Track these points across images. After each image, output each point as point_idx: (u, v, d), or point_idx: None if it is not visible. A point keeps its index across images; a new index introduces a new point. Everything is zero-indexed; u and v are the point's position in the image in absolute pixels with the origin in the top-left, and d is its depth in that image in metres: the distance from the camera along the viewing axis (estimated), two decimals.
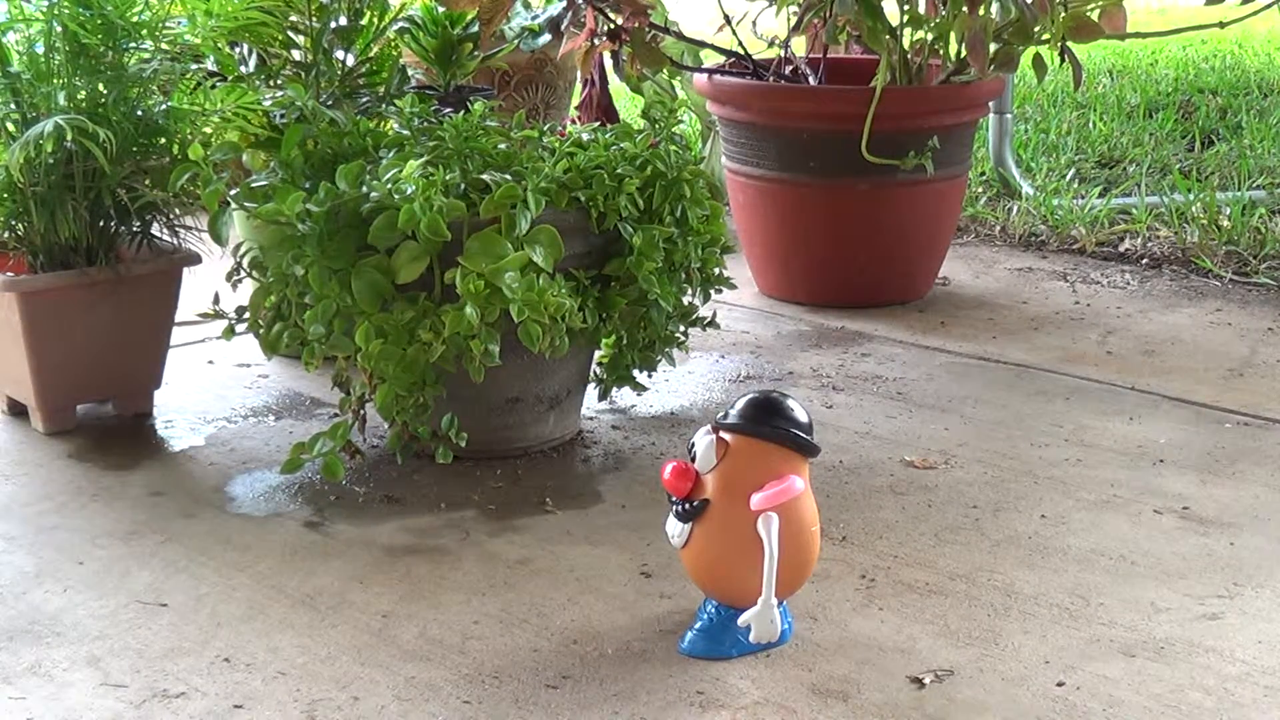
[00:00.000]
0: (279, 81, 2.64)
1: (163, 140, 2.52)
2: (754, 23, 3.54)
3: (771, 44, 3.55)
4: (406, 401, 2.23)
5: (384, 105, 2.67)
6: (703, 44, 3.56)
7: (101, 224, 2.52)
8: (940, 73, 3.34)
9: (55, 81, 2.44)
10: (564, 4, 3.47)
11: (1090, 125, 5.06)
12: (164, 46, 2.52)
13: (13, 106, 2.45)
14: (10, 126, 2.48)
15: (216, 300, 2.39)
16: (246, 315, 2.35)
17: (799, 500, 1.78)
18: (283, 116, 2.45)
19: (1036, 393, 2.76)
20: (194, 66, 2.57)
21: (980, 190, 4.32)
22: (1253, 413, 2.64)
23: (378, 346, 2.18)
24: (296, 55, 2.70)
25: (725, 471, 1.79)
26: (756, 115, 3.31)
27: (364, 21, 2.71)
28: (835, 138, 3.19)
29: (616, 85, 4.15)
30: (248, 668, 1.78)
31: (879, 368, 2.90)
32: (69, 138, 2.37)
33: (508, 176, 2.25)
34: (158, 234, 2.59)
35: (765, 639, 1.80)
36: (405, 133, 2.41)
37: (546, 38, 3.88)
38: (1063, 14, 3.09)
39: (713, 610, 1.83)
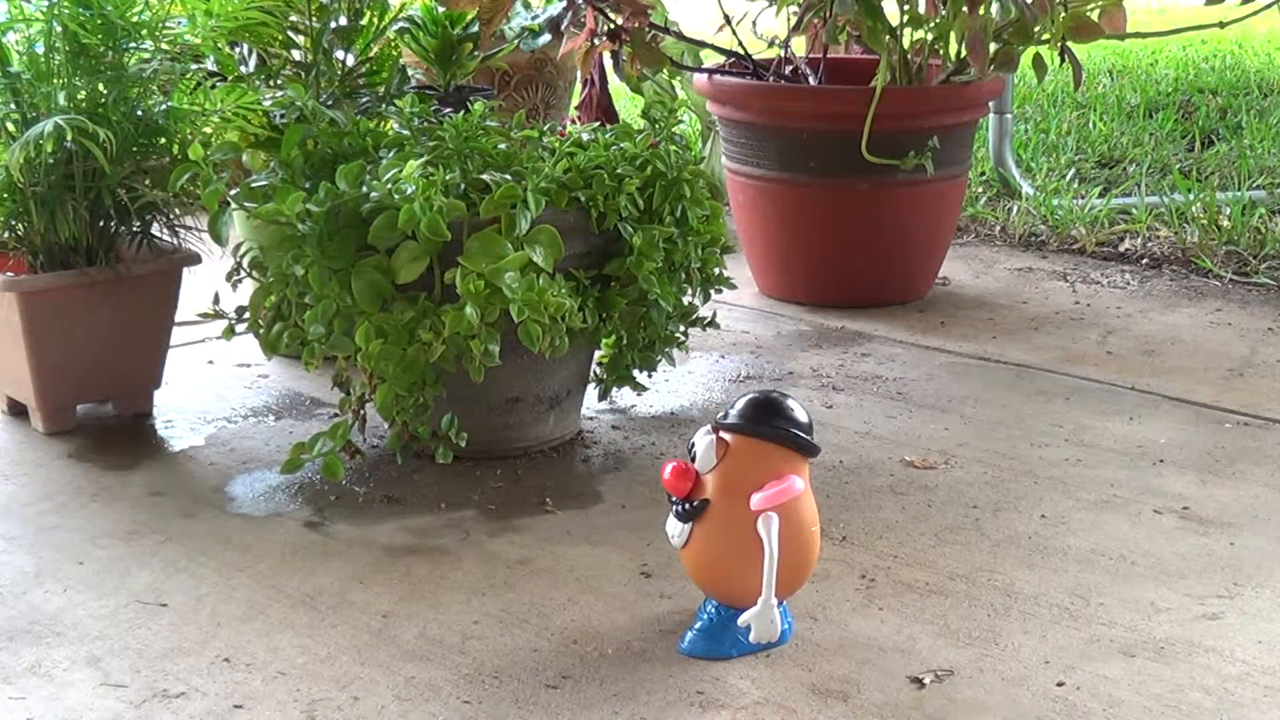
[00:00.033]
0: (279, 81, 2.64)
1: (163, 140, 2.52)
2: (754, 23, 3.54)
3: (771, 44, 3.55)
4: (406, 401, 2.23)
5: (384, 105, 2.67)
6: (703, 44, 3.56)
7: (101, 224, 2.52)
8: (940, 73, 3.34)
9: (55, 81, 2.44)
10: (564, 4, 3.47)
11: (1090, 125, 5.06)
12: (164, 46, 2.52)
13: (13, 106, 2.46)
14: (10, 126, 2.48)
15: (216, 300, 2.39)
16: (246, 315, 2.35)
17: (799, 500, 1.78)
18: (283, 116, 2.45)
19: (1036, 393, 2.76)
20: (194, 66, 2.57)
21: (980, 190, 4.32)
22: (1253, 413, 2.64)
23: (378, 346, 2.18)
24: (296, 55, 2.70)
25: (725, 471, 1.79)
26: (756, 115, 3.32)
27: (364, 21, 2.71)
28: (835, 138, 3.19)
29: (616, 85, 4.15)
30: (248, 668, 1.78)
31: (879, 368, 2.90)
32: (69, 138, 2.37)
33: (508, 176, 2.25)
34: (158, 234, 2.59)
35: (765, 639, 1.80)
36: (405, 133, 2.41)
37: (546, 38, 3.88)
38: (1063, 14, 3.09)
39: (713, 610, 1.83)
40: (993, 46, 3.17)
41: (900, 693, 1.73)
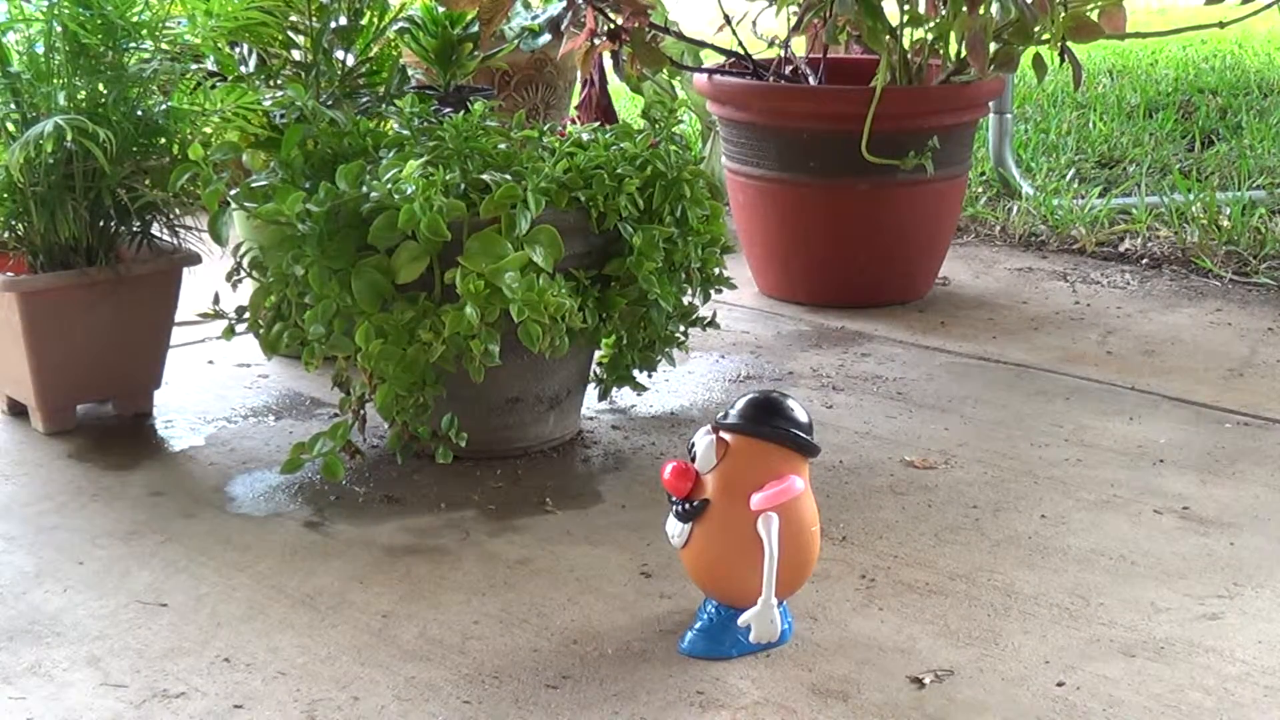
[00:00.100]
0: (279, 81, 2.64)
1: (163, 140, 2.52)
2: (754, 23, 3.54)
3: (771, 44, 3.55)
4: (406, 401, 2.23)
5: (384, 105, 2.67)
6: (703, 44, 3.56)
7: (101, 224, 2.52)
8: (940, 73, 3.34)
9: (55, 81, 2.44)
10: (564, 4, 3.47)
11: (1090, 125, 5.06)
12: (164, 46, 2.52)
13: (13, 106, 2.46)
14: (10, 126, 2.48)
15: (216, 300, 2.39)
16: (246, 315, 2.35)
17: (799, 500, 1.78)
18: (283, 116, 2.45)
19: (1036, 393, 2.76)
20: (194, 66, 2.57)
21: (980, 190, 4.32)
22: (1253, 413, 2.64)
23: (378, 346, 2.18)
24: (296, 55, 2.70)
25: (725, 471, 1.79)
26: (756, 115, 3.32)
27: (364, 21, 2.71)
28: (835, 138, 3.19)
29: (616, 85, 4.15)
30: (248, 668, 1.78)
31: (879, 368, 2.90)
32: (69, 138, 2.37)
33: (508, 176, 2.25)
34: (158, 234, 2.59)
35: (765, 639, 1.80)
36: (405, 133, 2.41)
37: (546, 38, 3.88)
38: (1063, 14, 3.09)
39: (713, 610, 1.83)
40: (993, 46, 3.17)
41: (900, 693, 1.73)
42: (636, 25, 3.23)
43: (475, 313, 2.14)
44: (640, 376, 2.56)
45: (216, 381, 2.81)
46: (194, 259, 2.59)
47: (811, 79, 3.51)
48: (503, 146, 2.38)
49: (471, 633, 1.87)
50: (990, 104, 3.64)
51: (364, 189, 2.20)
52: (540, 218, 2.22)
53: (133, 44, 2.49)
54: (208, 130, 2.56)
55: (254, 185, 2.29)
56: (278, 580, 2.01)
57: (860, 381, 2.82)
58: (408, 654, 1.82)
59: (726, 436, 1.79)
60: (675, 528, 1.81)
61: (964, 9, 3.10)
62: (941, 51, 3.32)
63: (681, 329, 2.52)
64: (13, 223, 2.51)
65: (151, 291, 2.56)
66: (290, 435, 2.52)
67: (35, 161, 2.39)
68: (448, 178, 2.21)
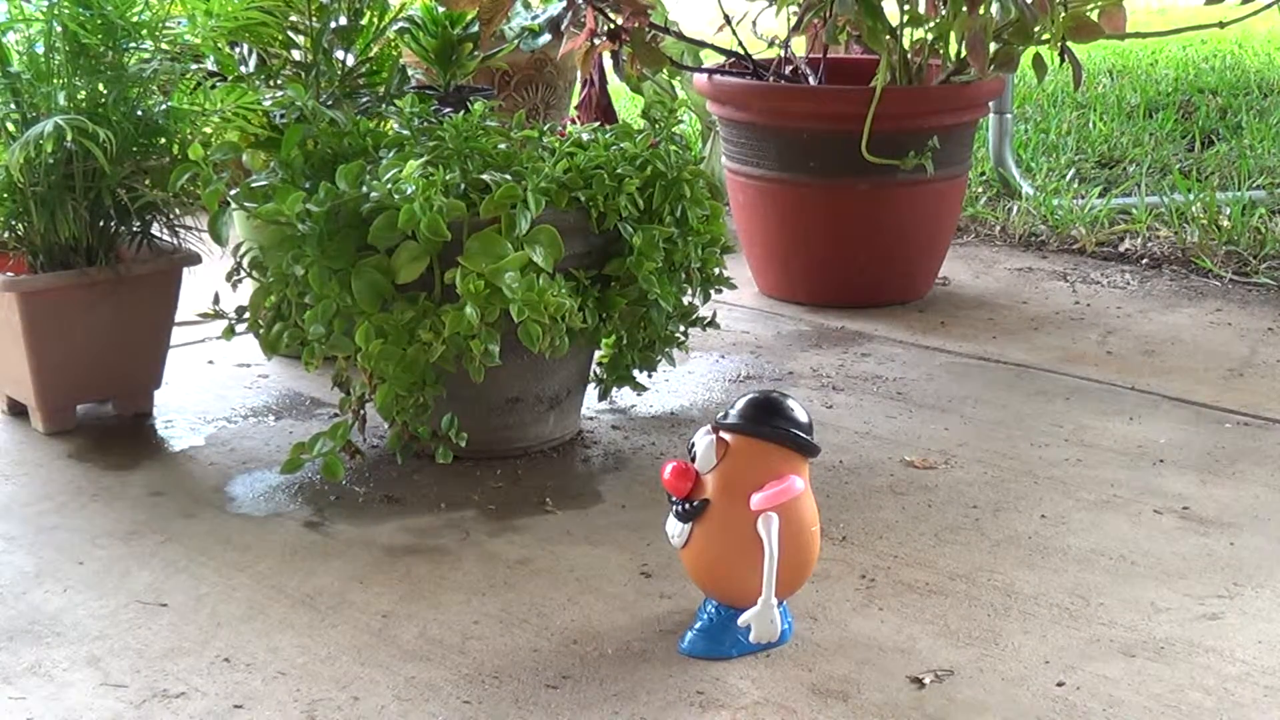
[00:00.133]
0: (279, 81, 2.64)
1: (163, 140, 2.52)
2: (754, 23, 3.54)
3: (771, 44, 3.55)
4: (406, 401, 2.23)
5: (384, 105, 2.67)
6: (703, 44, 3.56)
7: (101, 224, 2.52)
8: (940, 73, 3.34)
9: (55, 81, 2.44)
10: (564, 4, 3.48)
11: (1090, 125, 5.06)
12: (164, 46, 2.52)
13: (13, 106, 2.46)
14: (10, 126, 2.48)
15: (216, 300, 2.39)
16: (246, 315, 2.35)
17: (799, 500, 1.78)
18: (283, 116, 2.45)
19: (1036, 393, 2.76)
20: (194, 66, 2.57)
21: (980, 190, 4.32)
22: (1253, 413, 2.64)
23: (378, 346, 2.18)
24: (296, 55, 2.70)
25: (725, 471, 1.79)
26: (756, 115, 3.32)
27: (364, 21, 2.71)
28: (835, 138, 3.19)
29: (616, 85, 4.15)
30: (248, 668, 1.78)
31: (879, 368, 2.90)
32: (69, 138, 2.37)
33: (508, 176, 2.25)
34: (158, 234, 2.59)
35: (765, 639, 1.80)
36: (405, 133, 2.41)
37: (546, 38, 3.88)
38: (1063, 14, 3.09)
39: (713, 610, 1.83)
40: (993, 46, 3.17)
41: (900, 693, 1.73)
42: (636, 25, 3.23)
43: (475, 313, 2.14)
44: (640, 376, 2.56)
45: (216, 381, 2.81)
46: (194, 259, 2.59)
47: (811, 79, 3.51)
48: (503, 146, 2.38)
49: (471, 633, 1.87)
50: (990, 104, 3.64)
51: (364, 189, 2.20)
52: (540, 218, 2.22)
53: (133, 44, 2.49)
54: (208, 130, 2.56)
55: (254, 185, 2.29)
56: (278, 580, 2.01)
57: (860, 381, 2.82)
58: (408, 654, 1.82)
59: (726, 436, 1.79)
60: (675, 528, 1.81)
61: (964, 9, 3.10)
62: (941, 51, 3.32)
63: (681, 329, 2.52)
64: (13, 223, 2.51)
65: (151, 291, 2.56)
66: (290, 435, 2.52)
67: (35, 161, 2.39)
68: (448, 178, 2.21)
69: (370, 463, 2.41)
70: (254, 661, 1.80)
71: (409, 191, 2.14)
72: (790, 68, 3.51)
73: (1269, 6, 3.39)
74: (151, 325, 2.58)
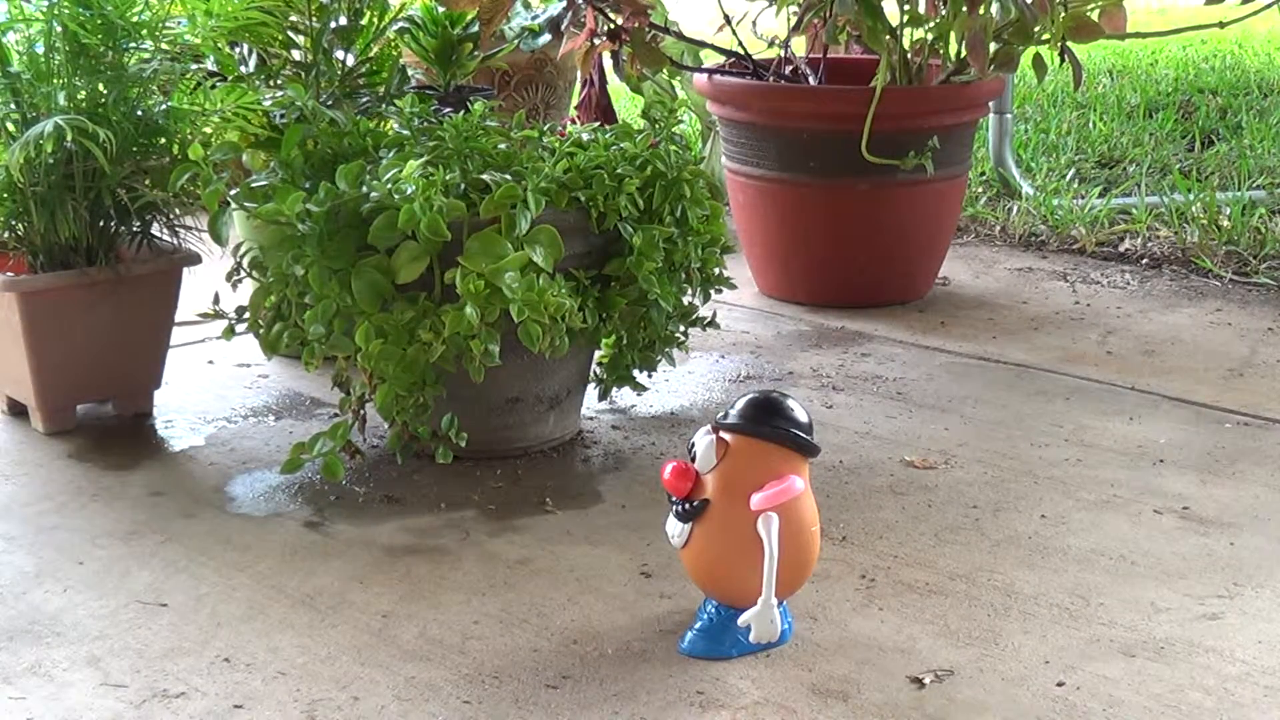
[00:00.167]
0: (279, 81, 2.64)
1: (163, 140, 2.52)
2: (754, 23, 3.54)
3: (771, 44, 3.55)
4: (406, 401, 2.23)
5: (384, 105, 2.67)
6: (703, 44, 3.56)
7: (101, 224, 2.52)
8: (940, 73, 3.34)
9: (55, 81, 2.44)
10: (564, 4, 3.48)
11: (1090, 125, 5.06)
12: (164, 46, 2.52)
13: (13, 106, 2.46)
14: (10, 126, 2.48)
15: (216, 300, 2.39)
16: (246, 315, 2.35)
17: (799, 500, 1.78)
18: (283, 116, 2.45)
19: (1036, 393, 2.76)
20: (194, 66, 2.57)
21: (980, 190, 4.32)
22: (1253, 413, 2.64)
23: (378, 346, 2.18)
24: (296, 55, 2.70)
25: (725, 471, 1.79)
26: (756, 115, 3.32)
27: (364, 21, 2.71)
28: (835, 138, 3.19)
29: (616, 85, 4.15)
30: (248, 668, 1.78)
31: (879, 368, 2.90)
32: (69, 138, 2.37)
33: (508, 176, 2.25)
34: (158, 234, 2.59)
35: (765, 639, 1.80)
36: (405, 133, 2.41)
37: (546, 38, 3.88)
38: (1063, 14, 3.09)
39: (713, 610, 1.83)
40: (993, 46, 3.17)
41: (900, 693, 1.73)
42: (636, 25, 3.23)
43: (475, 313, 2.14)
44: (640, 376, 2.56)
45: (216, 381, 2.81)
46: (194, 259, 2.59)
47: (811, 79, 3.51)
48: (503, 146, 2.38)
49: (471, 633, 1.87)
50: (990, 104, 3.64)
51: (364, 189, 2.20)
52: (540, 218, 2.22)
53: (133, 44, 2.49)
54: (208, 130, 2.56)
55: (254, 185, 2.29)
56: (278, 580, 2.01)
57: (860, 381, 2.82)
58: (408, 654, 1.82)
59: (726, 436, 1.79)
60: (675, 528, 1.81)
61: (964, 9, 3.10)
62: (941, 51, 3.32)
63: (681, 329, 2.52)
64: (13, 223, 2.51)
65: (151, 291, 2.56)
66: (290, 435, 2.52)
67: (35, 161, 2.39)
68: (448, 178, 2.21)
69: (370, 463, 2.41)
70: (254, 661, 1.80)
71: (409, 191, 2.15)
72: (790, 68, 3.51)
73: (1269, 6, 3.39)
74: (151, 325, 2.58)
